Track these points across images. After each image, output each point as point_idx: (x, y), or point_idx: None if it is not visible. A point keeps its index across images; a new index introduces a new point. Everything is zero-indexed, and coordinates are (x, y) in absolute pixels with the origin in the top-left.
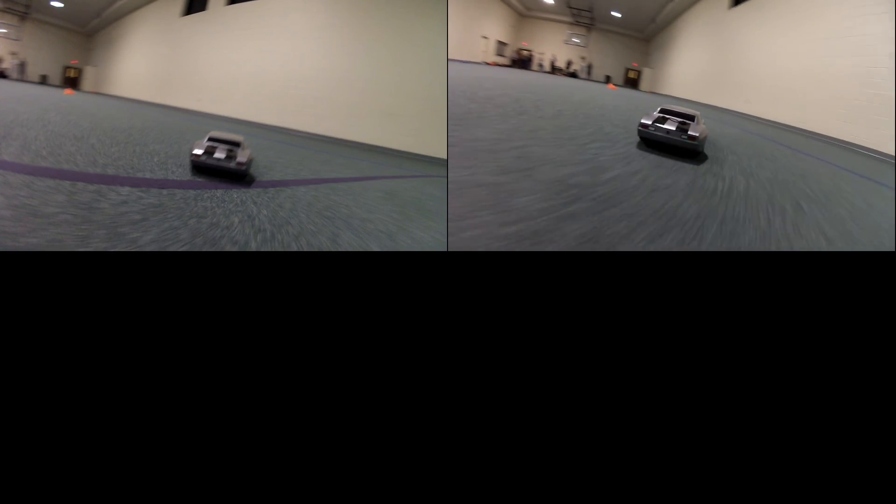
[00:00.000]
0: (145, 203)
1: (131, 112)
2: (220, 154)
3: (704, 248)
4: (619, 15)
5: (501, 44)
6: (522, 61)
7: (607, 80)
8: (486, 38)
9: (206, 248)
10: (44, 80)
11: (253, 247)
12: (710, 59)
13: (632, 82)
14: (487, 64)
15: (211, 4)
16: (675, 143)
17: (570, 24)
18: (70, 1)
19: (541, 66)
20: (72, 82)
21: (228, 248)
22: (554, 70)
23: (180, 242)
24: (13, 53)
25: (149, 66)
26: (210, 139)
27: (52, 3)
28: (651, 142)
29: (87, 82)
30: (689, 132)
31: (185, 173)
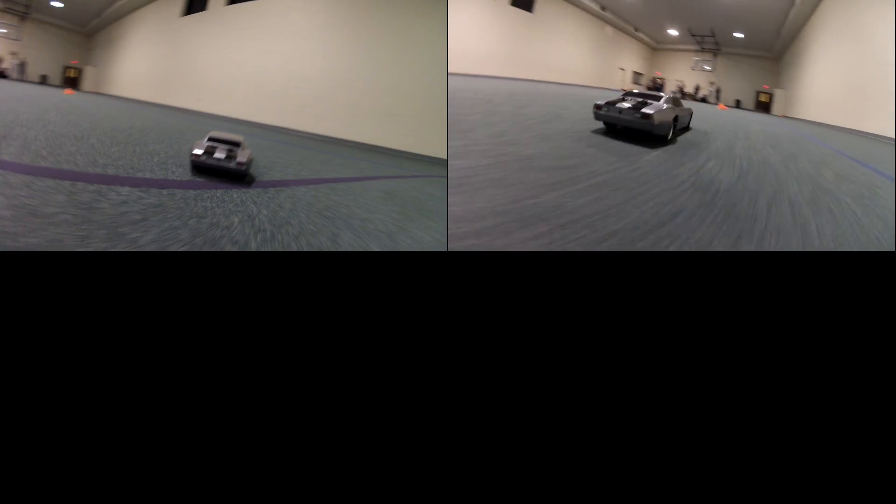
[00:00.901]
0: (145, 203)
1: (131, 112)
2: (220, 154)
3: None
4: (741, 35)
5: (637, 74)
6: (656, 88)
7: (737, 103)
8: (622, 69)
9: (206, 248)
10: (44, 80)
11: (253, 247)
12: (851, 64)
13: (764, 106)
14: (624, 91)
15: (211, 4)
16: (628, 124)
17: (697, 51)
18: (70, 1)
19: (673, 92)
20: (72, 82)
21: (228, 248)
22: (683, 95)
23: (180, 242)
24: (13, 53)
25: (149, 66)
26: (210, 139)
27: (52, 3)
28: (609, 125)
29: (87, 82)
30: (642, 110)
31: (185, 173)
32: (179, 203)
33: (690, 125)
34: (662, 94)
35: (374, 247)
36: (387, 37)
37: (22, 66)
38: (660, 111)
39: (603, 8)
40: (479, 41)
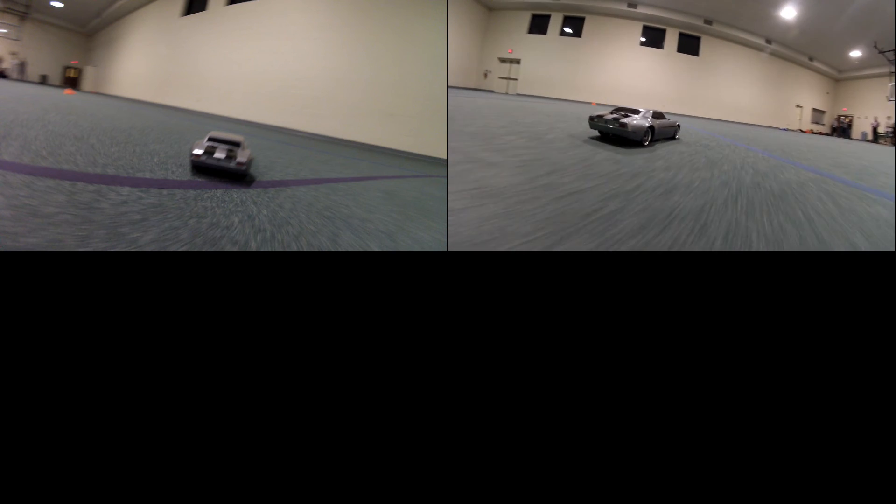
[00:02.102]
0: (145, 203)
1: (131, 112)
2: (220, 154)
3: None
4: None
5: (817, 111)
6: (842, 129)
7: None
8: (799, 106)
9: (206, 248)
10: (44, 80)
11: (253, 247)
12: None
13: None
14: (802, 131)
15: (211, 4)
16: (611, 131)
17: (891, 73)
18: (70, 1)
19: (864, 133)
20: (72, 82)
21: (228, 248)
22: (877, 137)
23: (180, 242)
24: (13, 53)
25: (149, 66)
26: (210, 139)
27: (52, 3)
28: (601, 132)
29: (87, 82)
30: (620, 121)
31: (185, 173)
32: (179, 203)
33: (677, 136)
34: (641, 109)
35: (374, 247)
36: (387, 37)
37: (22, 66)
38: (633, 122)
39: (768, 41)
40: (651, 84)
